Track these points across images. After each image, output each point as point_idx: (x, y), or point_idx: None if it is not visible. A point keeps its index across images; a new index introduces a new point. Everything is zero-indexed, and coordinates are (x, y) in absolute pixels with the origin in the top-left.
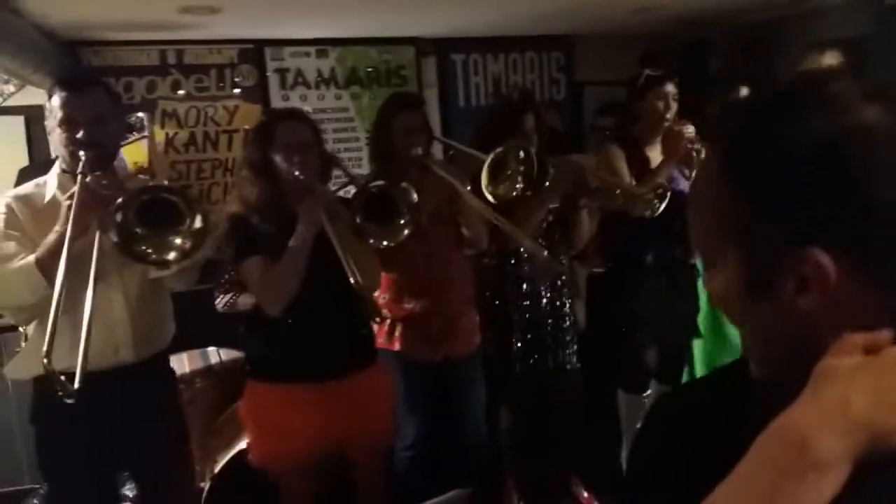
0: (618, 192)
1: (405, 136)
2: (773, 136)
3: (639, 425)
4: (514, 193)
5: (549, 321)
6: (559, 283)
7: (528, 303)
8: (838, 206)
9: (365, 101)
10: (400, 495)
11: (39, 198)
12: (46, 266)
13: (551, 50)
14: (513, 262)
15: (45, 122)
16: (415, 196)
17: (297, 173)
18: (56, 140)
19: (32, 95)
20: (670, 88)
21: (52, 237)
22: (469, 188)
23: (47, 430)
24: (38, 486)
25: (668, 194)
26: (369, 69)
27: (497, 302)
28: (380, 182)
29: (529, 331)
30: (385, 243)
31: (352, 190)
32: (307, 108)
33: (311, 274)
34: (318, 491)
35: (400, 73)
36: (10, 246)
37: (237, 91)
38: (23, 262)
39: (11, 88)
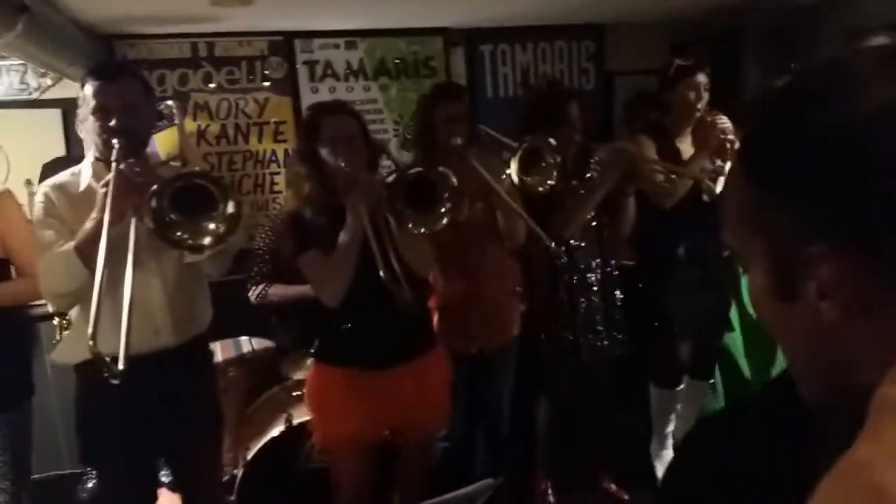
0: (673, 177)
1: (445, 125)
2: (790, 121)
3: (676, 450)
4: (543, 188)
5: (599, 313)
6: (608, 272)
7: (574, 295)
8: (855, 199)
9: (393, 93)
10: (431, 485)
11: (75, 186)
12: (85, 253)
13: (581, 39)
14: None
15: (78, 111)
16: (454, 180)
17: (343, 165)
18: (89, 128)
19: (69, 89)
20: (701, 78)
21: (89, 224)
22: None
23: (89, 415)
24: (79, 470)
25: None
26: (397, 60)
27: (542, 294)
28: (419, 168)
29: (574, 323)
30: (423, 230)
31: None
32: (336, 99)
33: (366, 262)
34: (370, 472)
35: (428, 64)
36: (50, 234)
37: (266, 84)
38: (63, 249)
39: (49, 82)
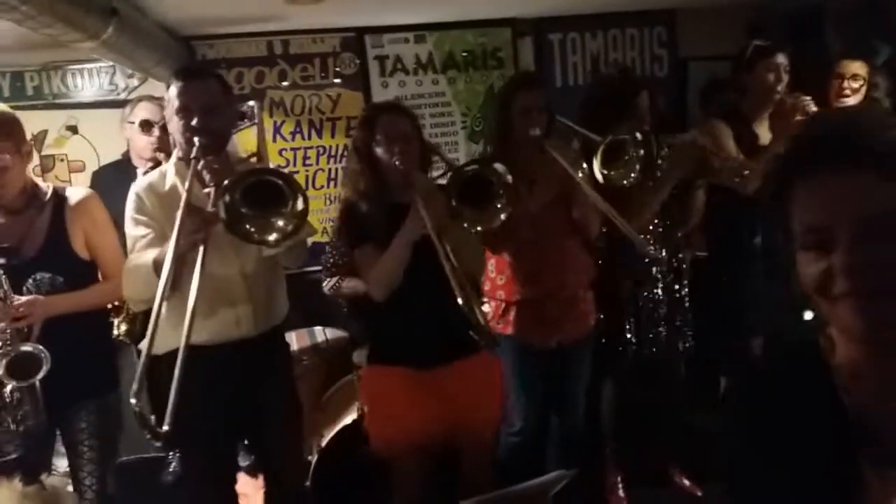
0: (746, 172)
1: (523, 115)
2: None
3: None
4: (627, 182)
5: (664, 306)
6: (675, 266)
7: (641, 287)
8: None
9: (461, 86)
10: (502, 480)
11: (161, 185)
12: (161, 268)
13: (653, 25)
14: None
15: (164, 112)
16: (510, 178)
17: (397, 163)
18: (174, 128)
19: (154, 88)
20: (781, 59)
21: (165, 248)
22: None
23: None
24: (163, 455)
25: None
26: (465, 53)
27: (610, 285)
28: (474, 165)
29: (642, 315)
30: (479, 228)
31: None
32: (405, 94)
33: (419, 262)
34: (428, 473)
35: (496, 56)
36: (140, 230)
37: (337, 80)
38: (143, 261)
39: (135, 82)
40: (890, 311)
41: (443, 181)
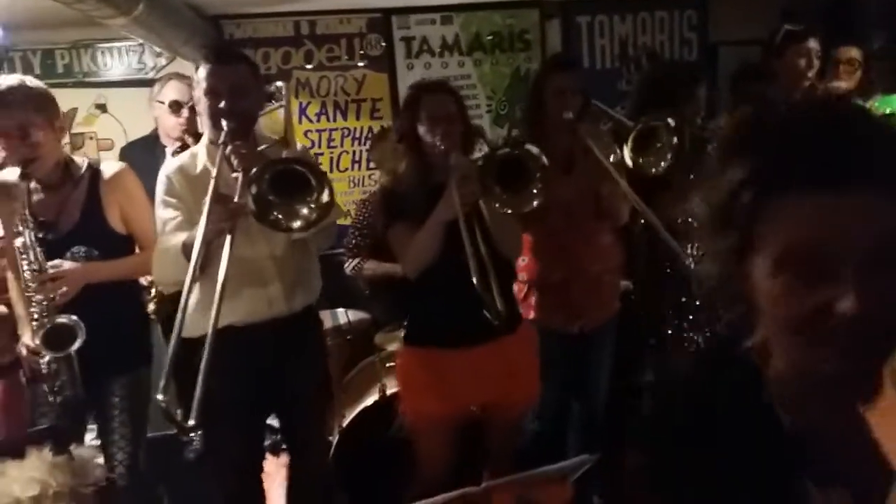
0: None
1: (557, 98)
2: None
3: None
4: (657, 170)
5: (699, 297)
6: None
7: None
8: None
9: (486, 68)
10: (523, 463)
11: (192, 167)
12: (190, 254)
13: (683, 8)
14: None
15: (193, 93)
16: (545, 160)
17: (439, 144)
18: (202, 110)
19: (182, 67)
20: (813, 44)
21: (194, 233)
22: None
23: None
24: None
25: None
26: (490, 36)
27: (641, 276)
28: (507, 148)
29: (678, 305)
30: (512, 210)
31: None
32: (430, 76)
33: (456, 242)
34: (454, 451)
35: (523, 38)
36: (169, 212)
37: (361, 64)
38: (173, 244)
39: (163, 61)
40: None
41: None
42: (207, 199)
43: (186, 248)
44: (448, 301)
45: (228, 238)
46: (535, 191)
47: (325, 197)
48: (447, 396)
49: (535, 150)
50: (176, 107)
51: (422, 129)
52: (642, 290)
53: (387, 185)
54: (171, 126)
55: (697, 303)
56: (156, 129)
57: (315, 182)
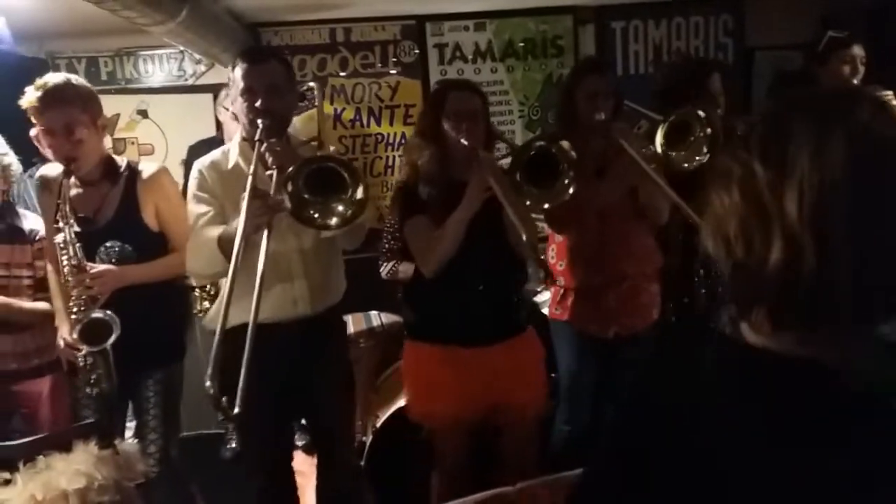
0: None
1: (589, 100)
2: None
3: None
4: (690, 165)
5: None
6: None
7: (711, 280)
8: None
9: (519, 74)
10: (555, 466)
11: (225, 164)
12: (226, 247)
13: (719, 12)
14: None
15: (229, 93)
16: (574, 154)
17: (463, 140)
18: (238, 109)
19: (221, 74)
20: (857, 51)
21: (232, 227)
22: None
23: (230, 378)
24: (223, 431)
25: None
26: (521, 43)
27: (681, 276)
28: (539, 142)
29: (712, 309)
30: (546, 206)
31: None
32: None
33: (469, 240)
34: (470, 450)
35: (556, 44)
36: (201, 207)
37: (393, 72)
38: (208, 236)
39: (203, 68)
40: None
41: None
42: (245, 195)
43: (221, 242)
44: (463, 298)
45: (266, 234)
46: (566, 183)
47: (359, 194)
48: (457, 394)
49: (564, 143)
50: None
51: (447, 125)
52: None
53: (405, 179)
54: (234, 131)
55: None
56: (220, 132)
57: (350, 179)
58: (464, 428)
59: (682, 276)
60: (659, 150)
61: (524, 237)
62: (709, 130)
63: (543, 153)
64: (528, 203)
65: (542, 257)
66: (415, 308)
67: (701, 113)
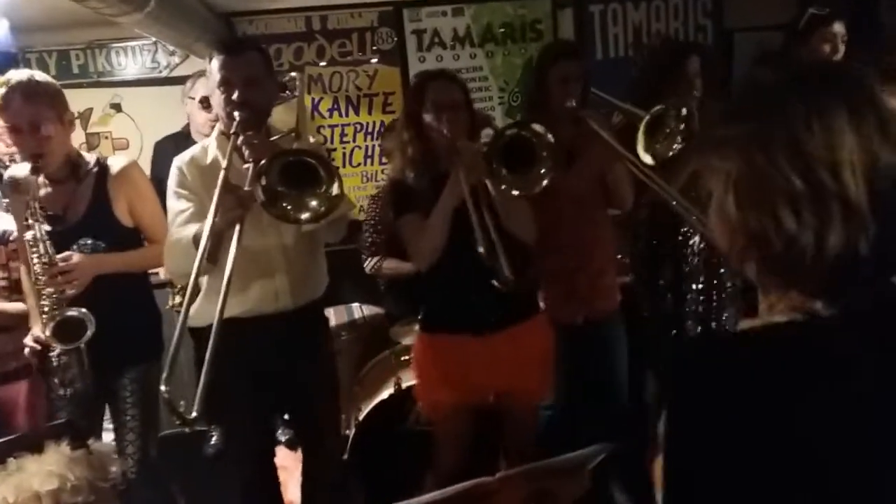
0: None
1: (560, 86)
2: None
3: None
4: (671, 153)
5: (702, 281)
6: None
7: (681, 260)
8: None
9: (499, 60)
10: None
11: (203, 159)
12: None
13: None
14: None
15: (195, 83)
16: (551, 138)
17: (445, 131)
18: (215, 102)
19: (195, 66)
20: (838, 28)
21: (205, 223)
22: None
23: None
24: (205, 428)
25: None
26: (502, 29)
27: (644, 263)
28: (513, 128)
29: (681, 290)
30: (520, 192)
31: None
32: (442, 68)
33: (466, 230)
34: (470, 440)
35: (535, 28)
36: (182, 203)
37: (373, 60)
38: (184, 236)
39: (177, 60)
40: None
41: None
42: (217, 191)
43: (197, 240)
44: (462, 288)
45: (237, 228)
46: (542, 171)
47: (334, 189)
48: (463, 384)
49: (539, 127)
50: (206, 102)
51: (427, 117)
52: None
53: (395, 177)
54: (201, 122)
55: (695, 286)
56: (187, 125)
57: (325, 174)
58: (467, 415)
59: (651, 258)
60: (641, 150)
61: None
62: (682, 126)
63: (519, 139)
64: (503, 188)
65: (507, 271)
66: (422, 301)
67: (684, 111)
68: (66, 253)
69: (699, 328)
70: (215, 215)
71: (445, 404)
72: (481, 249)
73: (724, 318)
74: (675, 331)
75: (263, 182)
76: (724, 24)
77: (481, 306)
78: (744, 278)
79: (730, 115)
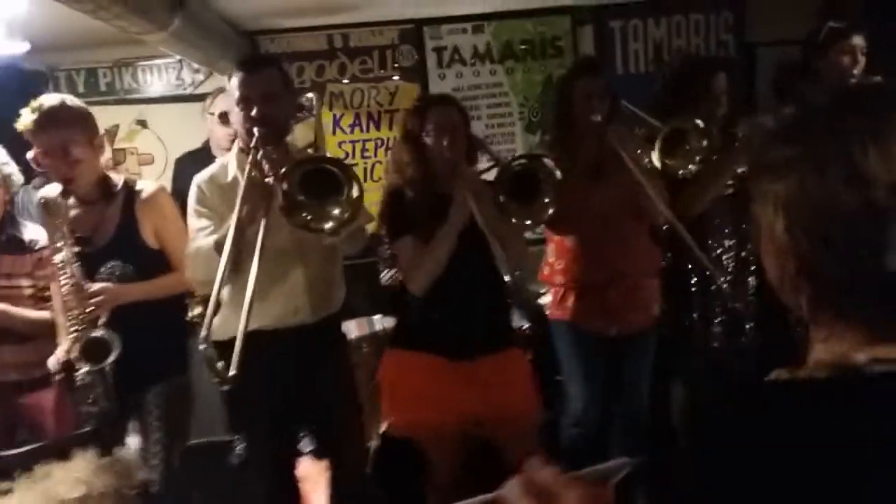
0: None
1: (585, 101)
2: None
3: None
4: (684, 172)
5: (729, 294)
6: (742, 253)
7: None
8: None
9: (519, 76)
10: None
11: (223, 176)
12: (223, 248)
13: (719, 9)
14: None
15: (205, 103)
16: (559, 174)
17: (445, 154)
18: (235, 119)
19: (219, 83)
20: (857, 41)
21: (228, 224)
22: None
23: (235, 387)
24: (230, 438)
25: None
26: (523, 46)
27: (674, 271)
28: (522, 160)
29: (707, 303)
30: (528, 222)
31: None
32: (463, 85)
33: (457, 255)
34: (462, 462)
35: (555, 44)
36: (201, 221)
37: (395, 77)
38: (205, 242)
39: (201, 77)
40: None
41: (487, 176)
42: (241, 186)
43: (219, 245)
44: (450, 312)
45: (261, 234)
46: (547, 201)
47: (354, 192)
48: (438, 405)
49: (548, 162)
50: (225, 118)
51: (428, 140)
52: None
53: (394, 186)
54: (221, 137)
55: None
56: (207, 142)
57: (343, 178)
58: (451, 440)
59: (677, 272)
60: (656, 157)
61: (507, 278)
62: (704, 142)
63: (528, 171)
64: (511, 219)
65: (528, 298)
66: (400, 317)
67: (699, 123)
68: (99, 286)
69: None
70: (239, 211)
71: (423, 424)
72: (508, 278)
73: (747, 328)
74: (701, 345)
75: (284, 188)
76: (746, 38)
77: (464, 331)
78: (797, 316)
79: (780, 137)
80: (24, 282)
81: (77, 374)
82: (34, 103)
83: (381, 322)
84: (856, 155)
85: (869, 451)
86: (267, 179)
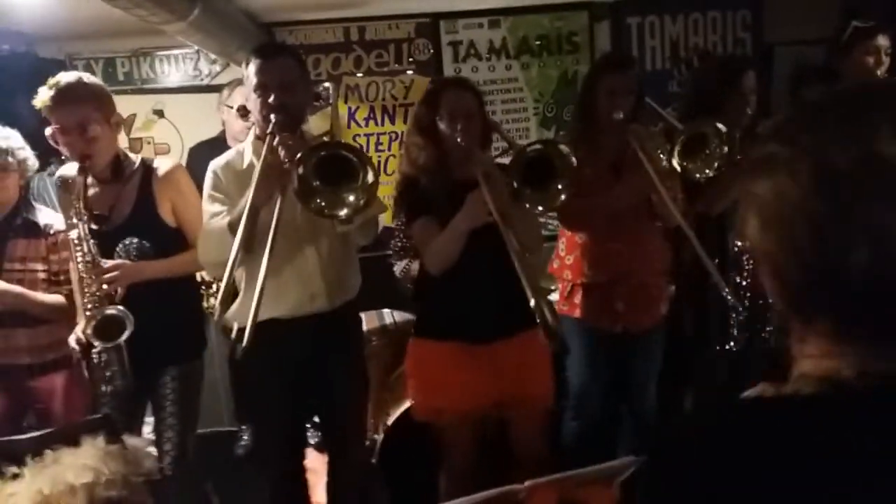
0: None
1: (608, 98)
2: None
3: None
4: (702, 176)
5: (748, 297)
6: None
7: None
8: None
9: (534, 71)
10: (565, 464)
11: (239, 163)
12: (237, 229)
13: (737, 7)
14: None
15: (231, 91)
16: (574, 160)
17: (459, 139)
18: (252, 106)
19: (236, 74)
20: (882, 41)
21: (242, 204)
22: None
23: (245, 374)
24: (236, 428)
25: None
26: (538, 41)
27: (689, 276)
28: (538, 145)
29: (724, 308)
30: (541, 208)
31: None
32: (478, 79)
33: (474, 238)
34: (478, 445)
35: (571, 40)
36: (216, 206)
37: (410, 72)
38: (219, 223)
39: (218, 68)
40: None
41: (501, 160)
42: (258, 167)
43: (233, 227)
44: (468, 296)
45: (275, 215)
46: (560, 187)
47: (369, 178)
48: (466, 390)
49: (564, 147)
50: (243, 111)
51: (442, 125)
52: (687, 289)
53: (408, 173)
54: (238, 129)
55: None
56: (223, 132)
57: (358, 163)
58: (471, 424)
59: (697, 272)
60: (675, 159)
61: (531, 297)
62: (725, 149)
63: (543, 156)
64: (526, 205)
65: (550, 321)
66: (421, 305)
67: (721, 127)
68: (114, 262)
69: (742, 343)
70: (255, 189)
71: (446, 411)
72: (529, 295)
73: (768, 329)
74: (718, 347)
75: (300, 172)
76: (764, 37)
77: (484, 315)
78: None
79: (764, 137)
80: (39, 266)
81: (93, 352)
82: (51, 80)
83: (390, 315)
84: (831, 154)
85: (857, 467)
86: (283, 165)
